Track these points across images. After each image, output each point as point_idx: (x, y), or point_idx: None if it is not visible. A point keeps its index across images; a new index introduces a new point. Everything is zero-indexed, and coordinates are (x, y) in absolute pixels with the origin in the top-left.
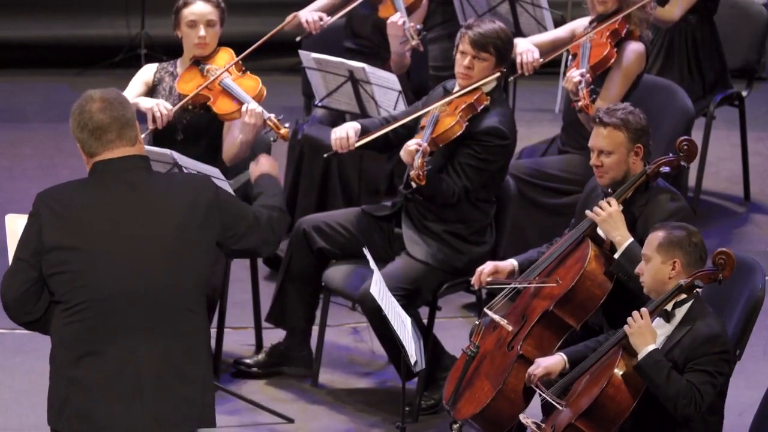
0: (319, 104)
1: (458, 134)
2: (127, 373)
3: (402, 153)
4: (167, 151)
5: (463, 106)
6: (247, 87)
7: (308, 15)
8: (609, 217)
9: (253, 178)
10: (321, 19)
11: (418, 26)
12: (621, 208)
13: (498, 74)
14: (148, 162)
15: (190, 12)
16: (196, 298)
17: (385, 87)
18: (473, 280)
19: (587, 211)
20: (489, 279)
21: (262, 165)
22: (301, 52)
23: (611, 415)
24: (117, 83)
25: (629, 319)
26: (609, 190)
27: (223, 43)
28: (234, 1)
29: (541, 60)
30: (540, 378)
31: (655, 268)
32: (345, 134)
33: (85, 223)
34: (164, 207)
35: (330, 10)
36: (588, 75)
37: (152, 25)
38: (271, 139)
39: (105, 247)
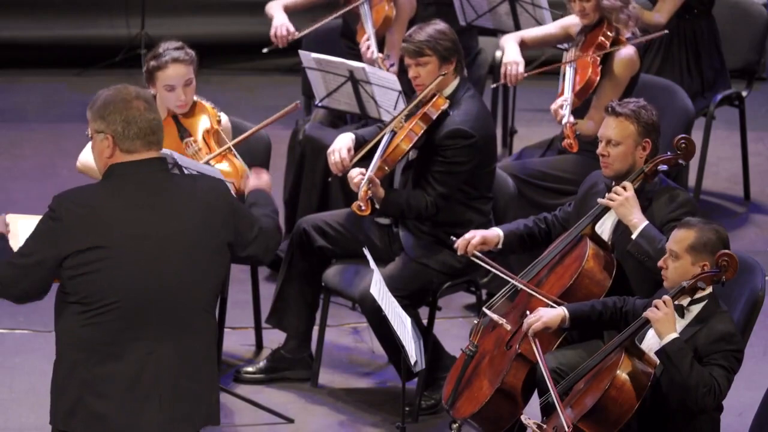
0: (320, 104)
1: (408, 149)
2: (145, 375)
3: (350, 184)
4: (167, 151)
5: (417, 120)
6: (227, 174)
7: (279, 28)
8: (626, 201)
9: (248, 189)
10: (289, 33)
11: (385, 57)
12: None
13: (441, 78)
14: (166, 164)
15: (166, 77)
16: (211, 300)
17: (385, 87)
18: (458, 244)
19: (600, 199)
20: (476, 252)
21: (263, 181)
22: (301, 52)
23: (614, 416)
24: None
25: (654, 303)
26: (613, 183)
27: (221, 42)
28: (234, 2)
29: (526, 74)
30: (538, 330)
31: (685, 269)
32: (339, 158)
33: (109, 225)
34: (185, 209)
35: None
36: (571, 103)
37: (152, 26)
38: None
39: (129, 248)
